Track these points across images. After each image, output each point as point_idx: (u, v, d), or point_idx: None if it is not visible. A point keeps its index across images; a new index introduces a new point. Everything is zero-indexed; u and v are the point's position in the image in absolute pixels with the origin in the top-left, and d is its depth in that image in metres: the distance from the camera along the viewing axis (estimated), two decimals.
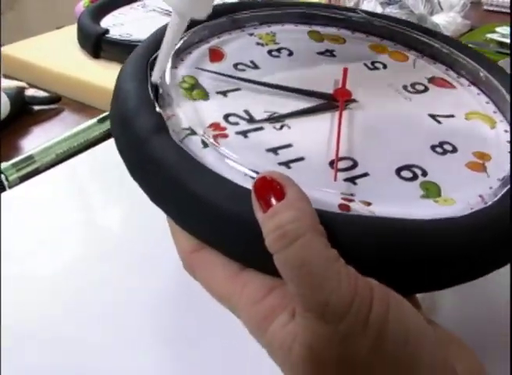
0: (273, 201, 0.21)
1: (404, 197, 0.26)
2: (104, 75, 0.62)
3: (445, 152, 0.29)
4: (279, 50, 0.36)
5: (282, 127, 0.30)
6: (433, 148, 0.29)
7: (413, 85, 0.34)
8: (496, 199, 0.26)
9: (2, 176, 0.47)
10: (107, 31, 0.65)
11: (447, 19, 0.75)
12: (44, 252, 0.40)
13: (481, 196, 0.26)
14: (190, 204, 0.24)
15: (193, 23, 0.33)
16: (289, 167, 0.27)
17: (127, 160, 0.27)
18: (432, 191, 0.27)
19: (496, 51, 0.73)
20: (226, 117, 0.30)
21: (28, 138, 0.57)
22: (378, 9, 0.69)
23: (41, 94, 0.60)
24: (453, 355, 0.22)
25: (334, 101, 0.31)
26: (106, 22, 0.71)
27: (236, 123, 0.29)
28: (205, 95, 0.31)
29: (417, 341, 0.20)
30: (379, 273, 0.21)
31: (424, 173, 0.28)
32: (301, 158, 0.28)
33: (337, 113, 0.30)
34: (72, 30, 0.71)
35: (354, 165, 0.28)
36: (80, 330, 0.34)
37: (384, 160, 0.28)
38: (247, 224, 0.22)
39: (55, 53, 0.67)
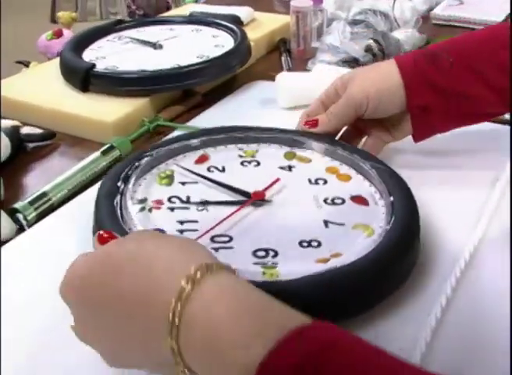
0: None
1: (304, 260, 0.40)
2: (95, 107, 0.64)
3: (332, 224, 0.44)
4: (250, 162, 0.51)
5: (202, 210, 0.45)
6: (326, 223, 0.44)
7: (333, 199, 0.47)
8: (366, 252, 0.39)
9: (20, 215, 0.48)
10: (94, 65, 0.66)
11: (406, 35, 0.81)
12: None
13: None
14: None
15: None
16: (181, 232, 0.42)
17: None
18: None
19: None
20: (170, 198, 0.47)
21: (30, 176, 0.58)
22: (347, 29, 0.74)
23: (37, 131, 0.61)
24: None
25: (250, 199, 0.46)
26: (88, 56, 0.73)
27: (173, 202, 0.46)
28: (170, 183, 0.49)
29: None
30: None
31: (320, 244, 0.42)
32: (194, 230, 0.42)
33: (251, 206, 0.45)
34: (50, 65, 0.72)
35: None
36: None
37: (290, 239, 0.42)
38: None
39: (42, 90, 0.68)
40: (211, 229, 0.42)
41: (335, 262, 0.39)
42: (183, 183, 0.48)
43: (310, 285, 0.36)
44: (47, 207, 0.50)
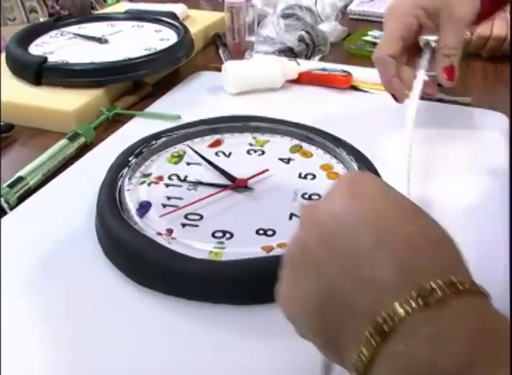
0: None
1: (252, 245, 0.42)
2: (53, 99, 0.67)
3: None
4: (256, 151, 0.55)
5: (191, 189, 0.49)
6: (291, 216, 0.45)
7: (310, 195, 0.49)
8: None
9: (1, 199, 0.50)
10: (46, 59, 0.68)
11: (330, 27, 0.90)
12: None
13: None
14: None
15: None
16: (164, 207, 0.47)
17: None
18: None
19: (371, 50, 0.89)
20: (170, 175, 0.51)
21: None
22: (281, 22, 0.81)
23: None
24: None
25: (232, 184, 0.49)
26: (34, 51, 0.74)
27: (172, 179, 0.50)
28: (178, 162, 0.53)
29: None
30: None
31: (274, 233, 0.43)
32: (175, 206, 0.46)
33: (232, 191, 0.49)
34: None
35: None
36: None
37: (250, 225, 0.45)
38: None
39: None
40: (185, 206, 0.46)
41: (277, 252, 0.41)
42: (188, 164, 0.53)
43: (239, 268, 0.39)
44: (25, 191, 0.52)
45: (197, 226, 0.45)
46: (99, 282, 0.42)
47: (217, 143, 0.56)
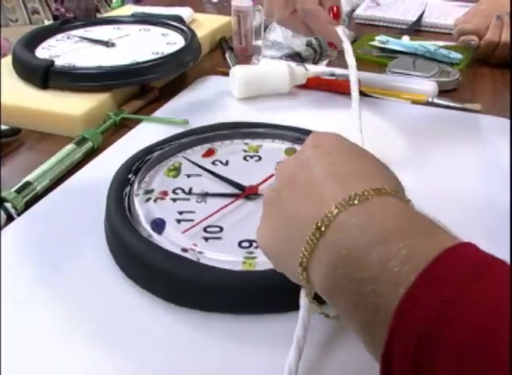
0: None
1: None
2: (60, 103, 0.66)
3: None
4: (252, 156, 0.55)
5: (200, 202, 0.49)
6: None
7: None
8: None
9: (8, 204, 0.49)
10: (53, 62, 0.68)
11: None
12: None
13: None
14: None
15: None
16: (179, 222, 0.46)
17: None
18: None
19: (378, 56, 0.89)
20: (174, 189, 0.50)
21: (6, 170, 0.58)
22: (287, 34, 0.81)
23: (2, 127, 0.62)
24: None
25: (243, 192, 0.49)
26: (41, 54, 0.74)
27: (177, 193, 0.50)
28: (176, 175, 0.52)
29: None
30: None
31: None
32: (191, 220, 0.46)
33: (244, 200, 0.49)
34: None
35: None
36: None
37: None
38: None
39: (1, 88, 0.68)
40: (204, 219, 0.46)
41: None
42: (188, 176, 0.52)
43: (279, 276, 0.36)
44: (32, 196, 0.52)
45: (219, 238, 0.44)
46: (105, 285, 0.42)
47: (210, 152, 0.56)
